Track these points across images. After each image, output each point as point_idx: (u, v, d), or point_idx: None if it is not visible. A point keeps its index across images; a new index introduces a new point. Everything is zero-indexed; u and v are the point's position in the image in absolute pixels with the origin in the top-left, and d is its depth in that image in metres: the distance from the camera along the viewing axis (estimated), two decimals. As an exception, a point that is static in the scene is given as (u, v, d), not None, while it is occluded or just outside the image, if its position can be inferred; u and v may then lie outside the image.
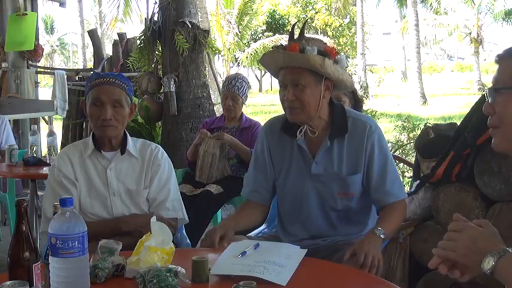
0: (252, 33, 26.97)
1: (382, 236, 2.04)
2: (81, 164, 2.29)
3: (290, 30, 2.22)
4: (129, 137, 2.34)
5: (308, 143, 2.22)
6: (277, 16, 29.40)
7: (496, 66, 1.40)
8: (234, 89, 3.99)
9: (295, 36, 2.15)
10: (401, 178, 2.41)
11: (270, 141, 2.32)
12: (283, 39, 21.37)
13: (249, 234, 2.45)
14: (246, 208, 2.36)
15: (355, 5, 26.25)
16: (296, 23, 2.81)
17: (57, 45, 48.92)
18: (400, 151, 6.22)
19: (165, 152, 2.40)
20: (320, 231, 2.25)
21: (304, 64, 2.08)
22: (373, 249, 1.95)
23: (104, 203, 2.25)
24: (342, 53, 2.22)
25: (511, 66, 1.35)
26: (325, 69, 2.08)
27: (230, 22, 20.39)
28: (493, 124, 1.39)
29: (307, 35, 2.16)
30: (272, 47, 2.24)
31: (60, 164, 2.29)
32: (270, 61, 2.20)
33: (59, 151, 4.04)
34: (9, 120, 4.98)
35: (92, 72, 7.77)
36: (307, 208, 2.24)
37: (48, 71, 8.75)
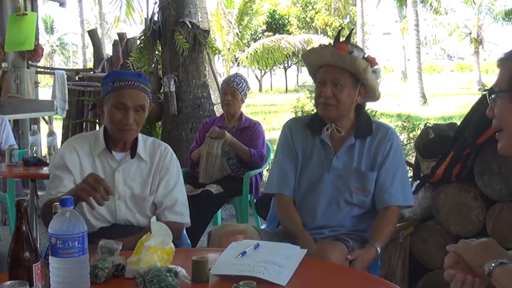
0: (252, 33, 26.98)
1: (378, 251, 2.16)
2: (90, 161, 2.25)
3: (336, 33, 2.39)
4: (140, 138, 2.29)
5: (331, 140, 2.34)
6: (277, 16, 29.42)
7: (498, 69, 1.44)
8: (233, 84, 4.01)
9: (341, 39, 2.30)
10: (409, 187, 2.42)
11: (294, 135, 2.42)
12: (283, 39, 21.42)
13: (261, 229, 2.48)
14: (292, 210, 2.37)
15: (355, 5, 26.27)
16: (342, 28, 3.04)
17: (57, 45, 48.91)
18: (400, 151, 6.20)
19: (174, 153, 2.36)
20: (329, 222, 2.31)
21: (349, 65, 2.22)
22: (365, 265, 2.10)
23: (108, 205, 2.21)
24: (379, 66, 2.37)
25: (507, 70, 1.39)
26: (365, 75, 2.23)
27: (231, 22, 20.39)
28: (495, 127, 1.43)
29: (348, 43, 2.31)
30: (320, 45, 2.37)
31: (64, 155, 2.23)
32: (316, 56, 2.32)
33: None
34: (9, 120, 4.98)
35: (91, 71, 7.78)
36: (322, 199, 2.31)
37: (48, 71, 8.74)
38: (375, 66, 2.29)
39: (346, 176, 2.30)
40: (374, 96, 2.36)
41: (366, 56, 2.27)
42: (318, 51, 2.30)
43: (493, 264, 1.30)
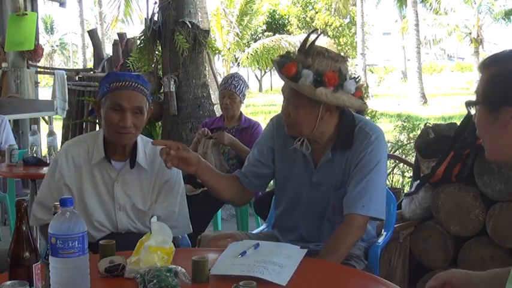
0: (252, 33, 26.98)
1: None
2: (88, 171, 2.19)
3: (305, 37, 2.08)
4: (139, 144, 2.21)
5: (312, 151, 2.17)
6: (277, 16, 29.43)
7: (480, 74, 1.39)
8: (231, 87, 3.99)
9: (306, 47, 2.01)
10: (382, 199, 2.09)
11: (276, 139, 2.25)
12: (283, 39, 21.39)
13: (250, 232, 2.46)
14: (229, 178, 2.31)
15: (355, 5, 26.25)
16: (314, 30, 2.52)
17: (57, 45, 48.95)
18: (400, 151, 6.22)
19: None
20: (312, 237, 2.22)
21: (296, 88, 1.98)
22: None
23: (108, 215, 2.19)
24: (353, 77, 2.02)
25: (484, 78, 1.35)
26: (318, 98, 1.95)
27: (231, 22, 20.39)
28: (477, 135, 1.43)
29: (318, 49, 2.02)
30: (279, 57, 2.09)
31: (62, 168, 2.18)
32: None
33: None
34: (9, 120, 4.98)
35: (91, 71, 7.78)
36: (304, 215, 2.21)
37: (48, 71, 8.75)
38: (338, 83, 1.94)
39: (327, 193, 2.14)
40: (352, 109, 2.13)
41: (322, 74, 1.93)
42: (275, 62, 2.06)
43: None
